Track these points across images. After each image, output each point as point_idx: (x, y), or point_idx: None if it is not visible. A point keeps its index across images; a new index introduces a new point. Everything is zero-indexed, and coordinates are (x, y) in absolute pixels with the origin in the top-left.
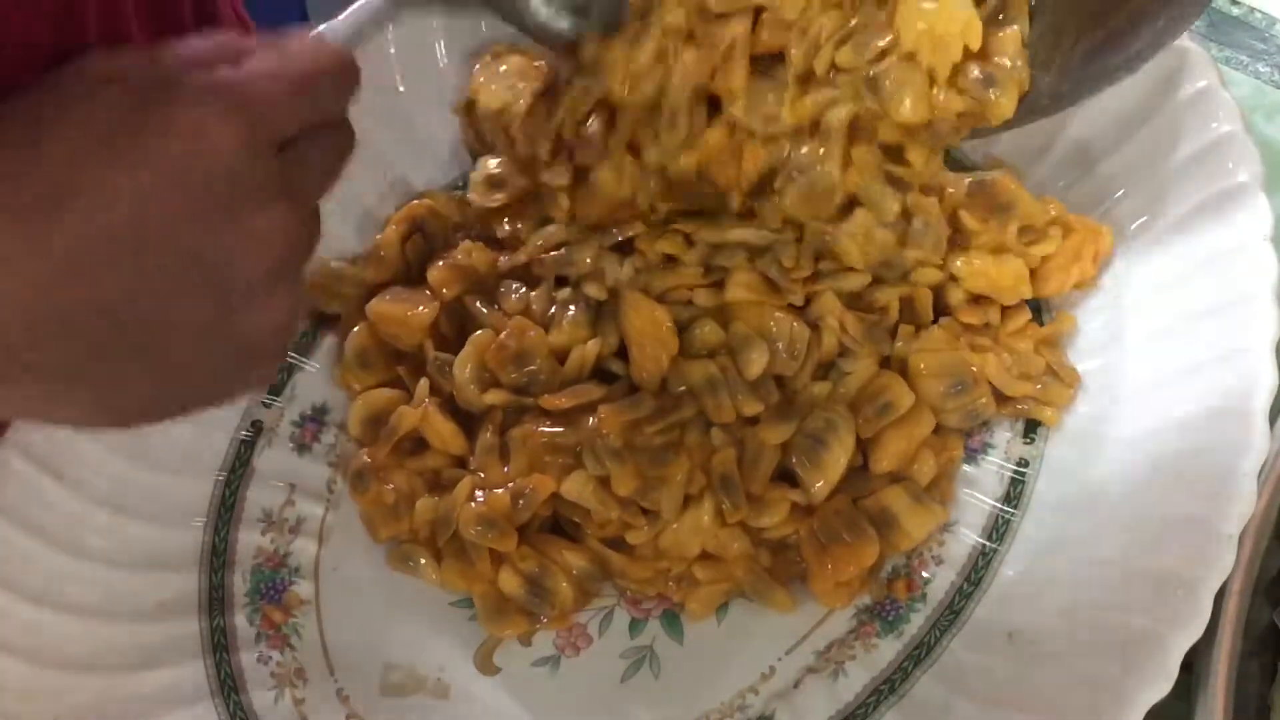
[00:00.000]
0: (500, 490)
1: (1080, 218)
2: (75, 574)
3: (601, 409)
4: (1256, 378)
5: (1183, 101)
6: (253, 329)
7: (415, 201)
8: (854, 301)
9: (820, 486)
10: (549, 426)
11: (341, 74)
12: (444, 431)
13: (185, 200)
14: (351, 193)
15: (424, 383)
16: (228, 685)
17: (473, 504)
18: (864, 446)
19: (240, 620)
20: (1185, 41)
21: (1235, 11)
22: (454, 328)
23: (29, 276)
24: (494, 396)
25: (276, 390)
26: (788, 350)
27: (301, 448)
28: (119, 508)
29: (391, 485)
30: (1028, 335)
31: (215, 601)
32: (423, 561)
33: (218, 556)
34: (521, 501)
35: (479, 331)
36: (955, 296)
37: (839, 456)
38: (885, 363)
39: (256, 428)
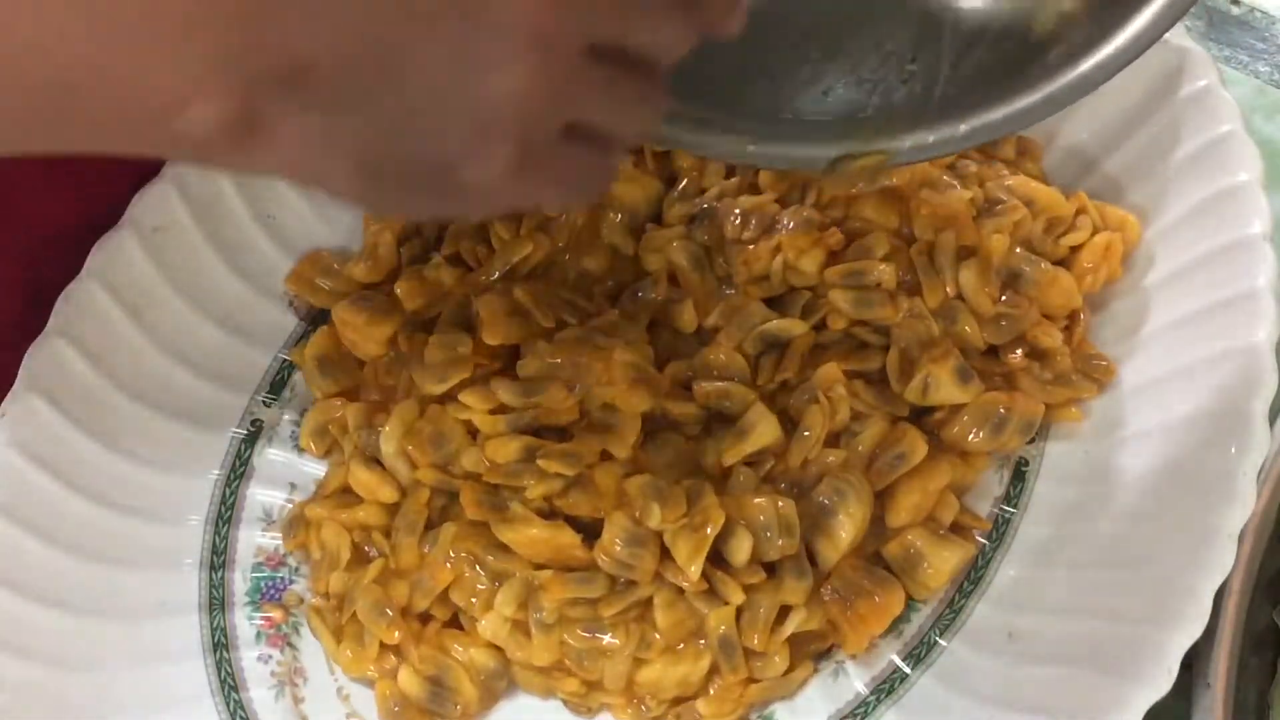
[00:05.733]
0: (399, 580)
1: (1105, 206)
2: (75, 573)
3: (544, 578)
4: (1257, 377)
5: (1183, 101)
6: (463, 171)
7: None
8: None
9: (830, 556)
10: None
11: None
12: (368, 482)
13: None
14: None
15: (351, 437)
16: (228, 685)
17: (376, 585)
18: (880, 498)
19: (240, 620)
20: (1185, 41)
21: (1235, 11)
22: (418, 343)
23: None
24: (425, 475)
25: (276, 389)
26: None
27: (301, 447)
28: (119, 506)
29: (320, 540)
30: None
31: (215, 601)
32: (325, 636)
33: (218, 556)
34: (417, 592)
35: (405, 403)
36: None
37: (848, 527)
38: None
39: (256, 427)
